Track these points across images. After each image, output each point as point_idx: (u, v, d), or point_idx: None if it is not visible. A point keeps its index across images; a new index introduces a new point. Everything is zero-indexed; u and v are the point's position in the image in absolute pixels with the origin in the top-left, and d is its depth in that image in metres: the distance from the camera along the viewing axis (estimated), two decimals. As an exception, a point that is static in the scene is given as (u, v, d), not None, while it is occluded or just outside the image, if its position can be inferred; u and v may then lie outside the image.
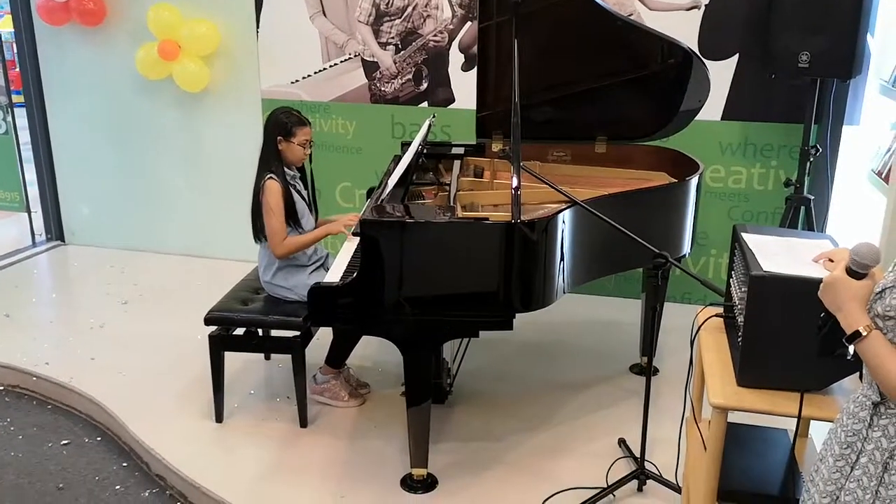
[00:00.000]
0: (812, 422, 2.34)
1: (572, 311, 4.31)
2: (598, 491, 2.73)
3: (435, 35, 4.43)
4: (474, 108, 3.43)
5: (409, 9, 4.41)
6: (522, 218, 2.55)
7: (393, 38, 4.49)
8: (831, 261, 1.77)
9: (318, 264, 3.34)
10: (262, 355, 3.76)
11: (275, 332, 3.30)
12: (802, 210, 3.84)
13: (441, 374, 3.32)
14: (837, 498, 1.47)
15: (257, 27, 4.67)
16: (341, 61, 4.61)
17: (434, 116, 3.64)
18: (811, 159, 3.81)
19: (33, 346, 3.92)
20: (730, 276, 2.23)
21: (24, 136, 5.26)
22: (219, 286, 3.49)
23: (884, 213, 2.87)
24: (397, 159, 3.52)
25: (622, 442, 3.07)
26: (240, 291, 3.34)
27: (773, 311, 1.86)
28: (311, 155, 3.30)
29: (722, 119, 4.15)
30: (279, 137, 3.17)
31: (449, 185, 3.27)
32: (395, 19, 4.45)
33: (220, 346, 3.18)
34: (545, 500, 2.75)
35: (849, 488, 1.45)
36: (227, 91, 4.84)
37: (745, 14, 3.98)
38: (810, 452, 2.35)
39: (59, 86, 5.15)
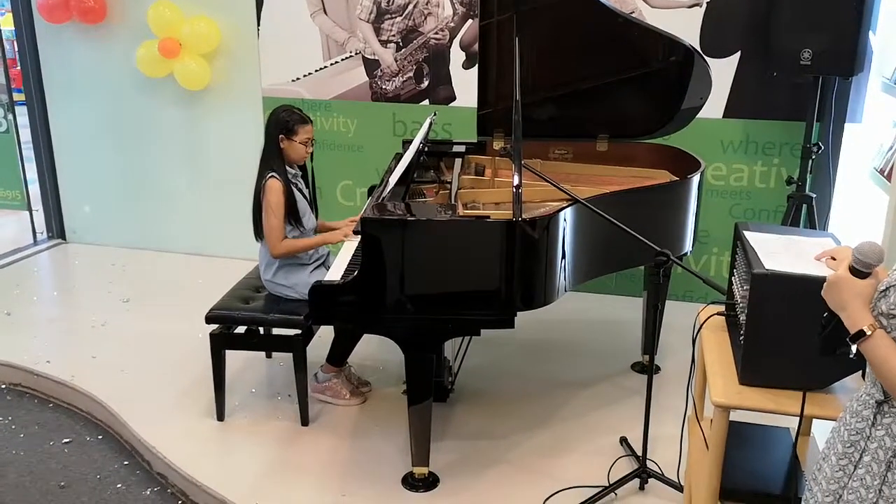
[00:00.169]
0: (814, 420, 2.34)
1: (574, 309, 4.30)
2: (599, 490, 2.73)
3: (436, 33, 4.42)
4: (475, 105, 3.42)
5: (410, 6, 4.40)
6: (524, 216, 2.54)
7: (394, 35, 4.48)
8: (833, 259, 1.77)
9: (318, 263, 3.33)
10: (263, 354, 3.76)
11: (276, 331, 3.30)
12: (804, 208, 3.84)
13: (442, 373, 3.32)
14: (840, 497, 1.47)
15: (258, 25, 4.66)
16: (342, 59, 4.60)
17: (435, 114, 3.64)
18: (813, 157, 3.81)
19: (35, 345, 3.92)
20: (731, 275, 2.23)
21: (25, 135, 5.26)
22: (220, 284, 3.49)
23: (886, 210, 2.86)
24: (398, 157, 3.52)
25: (624, 440, 3.07)
26: (241, 290, 3.34)
27: (775, 309, 1.85)
28: (312, 153, 3.29)
29: (724, 117, 4.15)
30: (281, 136, 3.16)
31: (450, 183, 3.27)
32: (396, 17, 4.44)
33: (221, 344, 3.18)
34: (546, 499, 2.74)
35: (852, 487, 1.44)
36: (228, 89, 4.84)
37: (746, 11, 3.97)
38: (812, 451, 2.35)
39: (60, 84, 5.15)
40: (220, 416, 3.24)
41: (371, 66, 4.57)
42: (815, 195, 3.84)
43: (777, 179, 4.16)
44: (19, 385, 3.72)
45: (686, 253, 3.39)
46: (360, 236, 2.62)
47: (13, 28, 5.19)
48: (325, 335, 3.37)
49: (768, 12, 3.70)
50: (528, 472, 2.92)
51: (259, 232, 3.22)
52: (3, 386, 3.72)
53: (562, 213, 2.67)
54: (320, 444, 3.10)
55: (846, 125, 3.92)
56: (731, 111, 4.13)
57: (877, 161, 3.41)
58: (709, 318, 2.25)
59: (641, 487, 2.79)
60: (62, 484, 2.99)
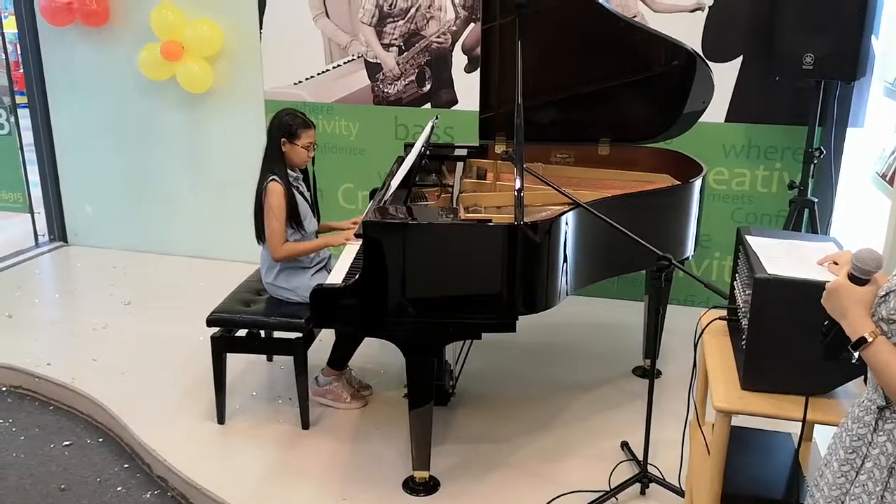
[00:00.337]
0: (816, 426, 2.33)
1: (575, 313, 4.30)
2: (600, 494, 2.72)
3: (438, 36, 4.42)
4: (477, 109, 3.43)
5: (413, 10, 4.41)
6: (525, 220, 2.54)
7: (396, 39, 4.48)
8: (836, 263, 1.76)
9: (320, 266, 3.33)
10: (264, 357, 3.76)
11: (277, 334, 3.30)
12: (806, 213, 3.83)
13: (443, 376, 3.31)
14: (843, 503, 1.46)
15: (260, 28, 4.67)
16: (344, 63, 4.61)
17: (437, 118, 3.64)
18: (815, 162, 3.81)
19: (35, 347, 3.92)
20: (733, 279, 2.22)
21: (28, 137, 5.27)
22: (221, 287, 3.48)
23: (888, 215, 2.86)
24: (400, 161, 3.51)
25: (625, 445, 3.06)
26: (242, 293, 3.34)
27: (777, 314, 1.85)
28: (314, 157, 3.29)
29: (726, 121, 4.15)
30: (283, 139, 3.16)
31: (452, 186, 3.27)
32: (398, 21, 4.45)
33: (222, 347, 3.18)
34: (548, 503, 2.74)
35: (854, 493, 1.44)
36: (231, 92, 4.84)
37: (749, 16, 3.97)
38: (814, 457, 2.34)
39: (63, 87, 5.16)
40: (221, 420, 3.23)
41: (373, 69, 4.57)
42: (817, 200, 3.84)
43: (779, 184, 4.16)
44: (20, 387, 3.71)
45: (688, 257, 3.38)
46: (361, 240, 2.63)
47: (16, 31, 5.21)
48: (326, 338, 3.37)
49: (771, 16, 3.70)
50: (529, 476, 2.91)
51: (260, 235, 3.22)
52: (4, 388, 3.72)
53: (564, 217, 2.66)
54: (321, 447, 3.10)
55: (848, 130, 3.92)
56: (733, 115, 4.13)
57: (879, 166, 3.40)
58: (710, 322, 2.24)
59: (642, 492, 2.78)
60: (62, 487, 2.99)
